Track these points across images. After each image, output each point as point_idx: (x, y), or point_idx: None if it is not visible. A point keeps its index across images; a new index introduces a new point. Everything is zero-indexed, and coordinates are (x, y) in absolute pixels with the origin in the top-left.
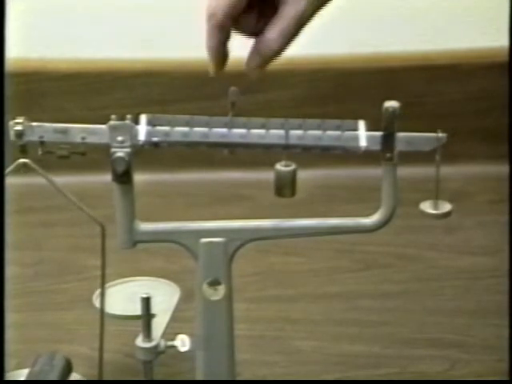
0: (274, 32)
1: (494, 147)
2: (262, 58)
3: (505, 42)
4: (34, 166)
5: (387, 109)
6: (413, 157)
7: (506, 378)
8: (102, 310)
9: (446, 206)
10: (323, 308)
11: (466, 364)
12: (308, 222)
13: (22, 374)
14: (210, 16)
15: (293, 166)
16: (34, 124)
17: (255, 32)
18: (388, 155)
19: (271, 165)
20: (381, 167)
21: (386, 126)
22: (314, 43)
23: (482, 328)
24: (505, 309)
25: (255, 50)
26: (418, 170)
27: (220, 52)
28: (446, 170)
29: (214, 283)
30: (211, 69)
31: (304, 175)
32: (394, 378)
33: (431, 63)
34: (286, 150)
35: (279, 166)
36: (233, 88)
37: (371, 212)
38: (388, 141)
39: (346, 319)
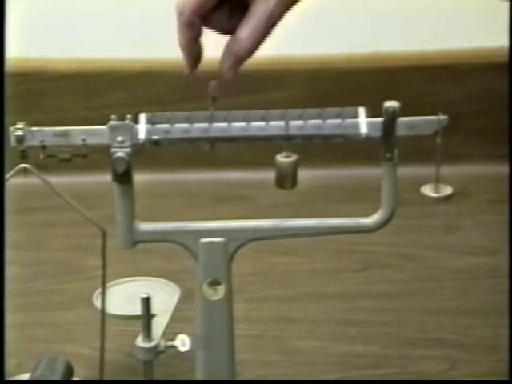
0: (245, 31)
1: (493, 147)
2: (235, 57)
3: (505, 42)
4: (34, 171)
5: (387, 109)
6: (413, 157)
7: (505, 378)
8: (103, 310)
9: (447, 189)
10: (323, 308)
11: (466, 364)
12: (308, 222)
13: (23, 379)
14: (179, 14)
15: (294, 157)
16: (34, 129)
17: (228, 29)
18: (388, 155)
19: (271, 165)
20: (381, 167)
21: (386, 126)
22: (314, 43)
23: (481, 328)
24: (505, 309)
25: (228, 50)
26: (418, 170)
27: (191, 49)
28: (446, 170)
29: (214, 283)
30: (185, 68)
31: (304, 175)
32: (394, 378)
33: (431, 63)
34: (287, 141)
35: (280, 158)
36: (212, 82)
37: (371, 212)
38: (388, 141)
39: (346, 319)
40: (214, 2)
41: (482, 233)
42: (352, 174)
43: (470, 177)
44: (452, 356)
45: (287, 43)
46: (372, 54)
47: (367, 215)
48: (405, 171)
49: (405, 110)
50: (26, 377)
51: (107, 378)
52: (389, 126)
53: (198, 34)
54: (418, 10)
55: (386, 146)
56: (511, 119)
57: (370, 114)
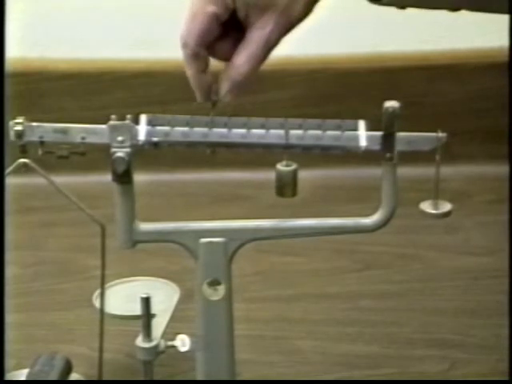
0: (242, 57)
1: (493, 147)
2: (232, 82)
3: (505, 42)
4: (34, 165)
5: (387, 109)
6: (413, 157)
7: (505, 378)
8: (101, 310)
9: (446, 206)
10: (323, 308)
11: (466, 364)
12: (308, 222)
13: (22, 374)
14: (184, 46)
15: (294, 166)
16: (34, 124)
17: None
18: (388, 155)
19: (271, 165)
20: (381, 167)
21: (386, 126)
22: (314, 43)
23: (481, 328)
24: (505, 309)
25: (225, 76)
26: (417, 170)
27: (200, 81)
28: (446, 170)
29: (214, 283)
30: (197, 97)
31: (304, 175)
32: (394, 378)
33: (431, 63)
34: (286, 150)
35: (280, 166)
36: (213, 86)
37: (371, 212)
38: (388, 141)
39: (346, 319)
40: (218, 32)
41: (482, 233)
42: (352, 173)
43: (470, 177)
44: (452, 356)
45: (287, 43)
46: (372, 54)
47: (367, 215)
48: (405, 171)
49: (405, 110)
50: (24, 372)
51: (107, 377)
52: (389, 126)
53: (206, 64)
54: (419, 9)
55: (386, 146)
56: (511, 119)
57: (369, 114)
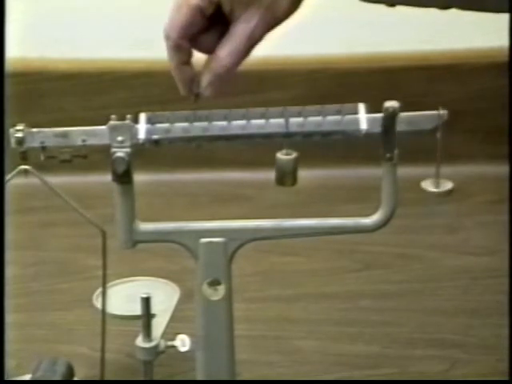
0: (224, 50)
1: (494, 147)
2: (214, 75)
3: (505, 42)
4: (34, 172)
5: (387, 109)
6: (413, 157)
7: (505, 378)
8: (103, 310)
9: (448, 184)
10: (323, 308)
11: (466, 364)
12: (308, 222)
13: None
14: (166, 38)
15: (294, 155)
16: (34, 130)
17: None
18: (388, 155)
19: (271, 165)
20: (381, 167)
21: (386, 126)
22: (314, 43)
23: (481, 328)
24: (505, 309)
25: (207, 68)
26: (417, 170)
27: (183, 73)
28: (446, 170)
29: (214, 283)
30: (180, 89)
31: (304, 175)
32: (394, 378)
33: (431, 63)
34: (287, 139)
35: (280, 155)
36: (197, 79)
37: (371, 212)
38: (388, 141)
39: (346, 319)
40: (202, 25)
41: (482, 233)
42: (352, 173)
43: (470, 177)
44: (452, 356)
45: (287, 43)
46: (372, 54)
47: (367, 215)
48: (405, 171)
49: (405, 110)
50: (26, 378)
51: (107, 377)
52: (389, 126)
53: (188, 56)
54: (419, 9)
55: (386, 146)
56: (511, 119)
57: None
